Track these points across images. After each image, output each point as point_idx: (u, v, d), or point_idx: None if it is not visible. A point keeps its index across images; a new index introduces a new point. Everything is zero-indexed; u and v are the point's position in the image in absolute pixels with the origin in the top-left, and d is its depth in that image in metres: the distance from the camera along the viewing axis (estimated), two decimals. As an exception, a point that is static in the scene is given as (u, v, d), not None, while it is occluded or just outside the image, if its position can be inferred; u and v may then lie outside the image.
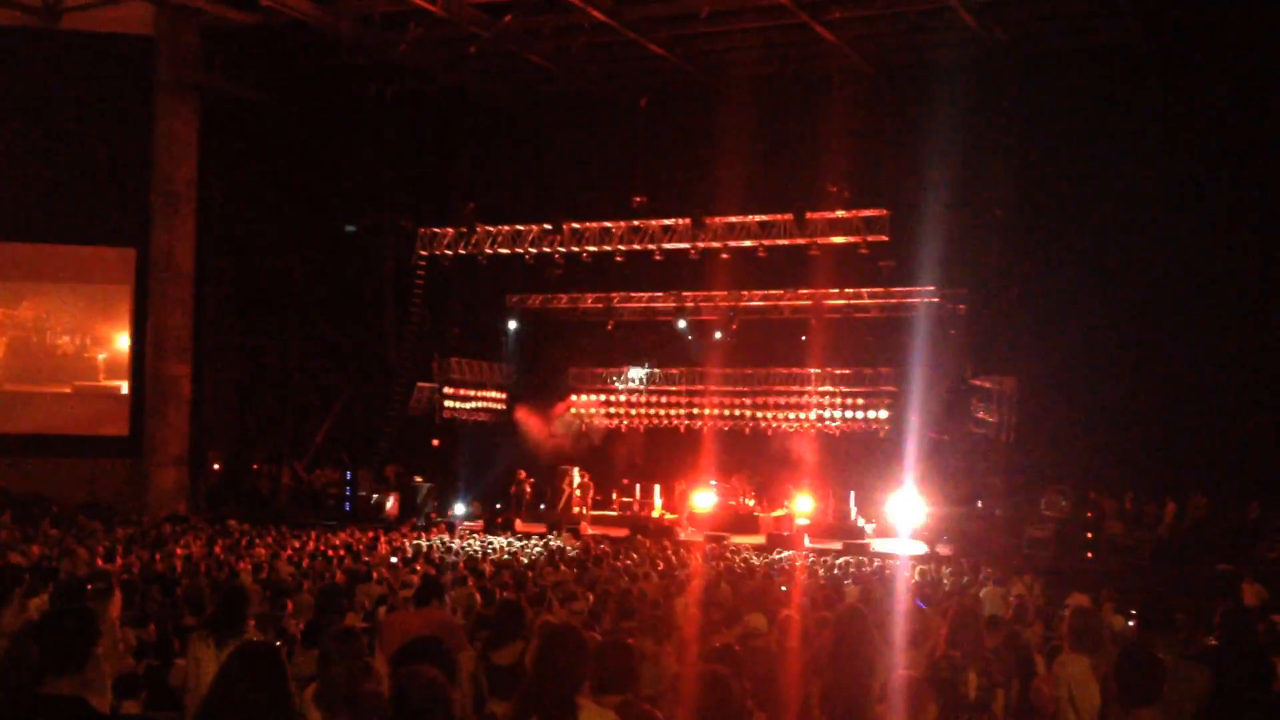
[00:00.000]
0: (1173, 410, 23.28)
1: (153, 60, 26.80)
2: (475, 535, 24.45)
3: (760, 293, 29.09)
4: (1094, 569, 20.93)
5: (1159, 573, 20.29)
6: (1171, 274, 24.00)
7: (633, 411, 31.23)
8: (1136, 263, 24.35)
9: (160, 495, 26.17)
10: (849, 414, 28.57)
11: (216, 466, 28.66)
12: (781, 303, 29.26)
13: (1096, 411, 24.08)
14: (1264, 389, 21.93)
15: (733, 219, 27.13)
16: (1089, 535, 22.91)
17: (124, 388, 28.39)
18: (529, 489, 29.03)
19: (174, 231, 26.76)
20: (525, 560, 18.22)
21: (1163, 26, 24.10)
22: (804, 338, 28.71)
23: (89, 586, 9.99)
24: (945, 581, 17.01)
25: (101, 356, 28.90)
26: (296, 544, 19.43)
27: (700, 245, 27.40)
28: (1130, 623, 11.26)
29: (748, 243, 27.14)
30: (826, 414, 28.75)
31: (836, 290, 27.93)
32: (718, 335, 29.46)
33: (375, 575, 14.55)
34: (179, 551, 16.99)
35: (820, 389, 28.90)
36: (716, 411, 30.01)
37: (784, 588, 13.57)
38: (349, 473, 28.80)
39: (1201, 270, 23.60)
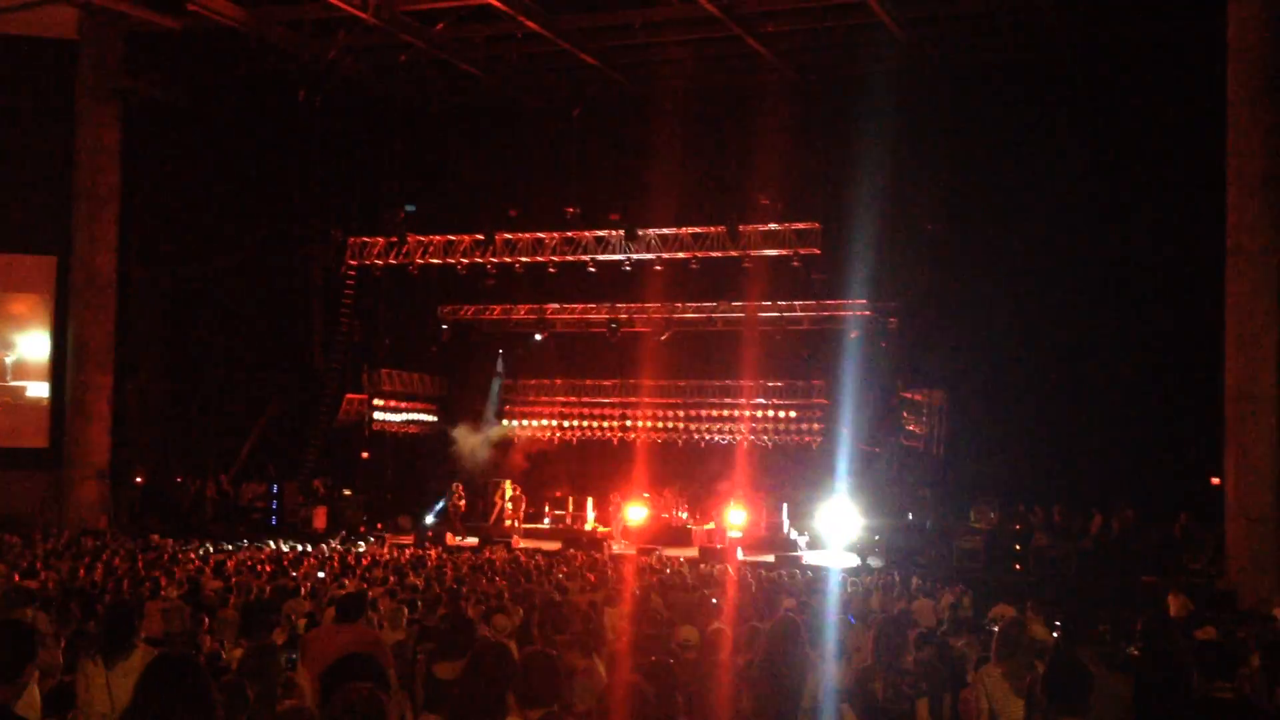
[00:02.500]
0: (1100, 423, 23.62)
1: (76, 65, 26.29)
2: (405, 548, 24.17)
3: (693, 305, 29.16)
4: (1022, 580, 21.13)
5: (1085, 584, 20.53)
6: (1099, 288, 24.39)
7: (565, 424, 31.13)
8: (1065, 277, 24.70)
9: (81, 508, 25.59)
10: (781, 426, 28.71)
11: (139, 479, 28.07)
12: (714, 315, 29.33)
13: (1025, 424, 24.36)
14: (1190, 402, 22.28)
15: (666, 231, 27.20)
16: (1017, 547, 23.13)
17: (44, 398, 27.72)
18: (463, 503, 28.73)
19: (96, 239, 26.22)
20: (456, 573, 18.01)
21: (1089, 44, 24.53)
22: (737, 350, 28.77)
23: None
24: (875, 594, 17.06)
25: (16, 364, 28.15)
26: (220, 558, 19.08)
27: (634, 257, 27.43)
28: (1054, 633, 11.36)
29: (681, 255, 27.22)
30: (759, 426, 28.85)
31: (769, 303, 28.05)
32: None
33: (303, 590, 14.30)
34: (99, 566, 16.59)
35: (753, 401, 28.99)
36: (649, 424, 30.01)
37: (714, 600, 13.53)
38: (275, 486, 28.37)
39: (1129, 285, 24.00)
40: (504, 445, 31.10)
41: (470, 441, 30.57)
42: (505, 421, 31.63)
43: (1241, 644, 10.04)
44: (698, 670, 7.63)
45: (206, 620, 10.61)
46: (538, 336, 30.57)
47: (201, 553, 20.27)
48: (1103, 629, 12.01)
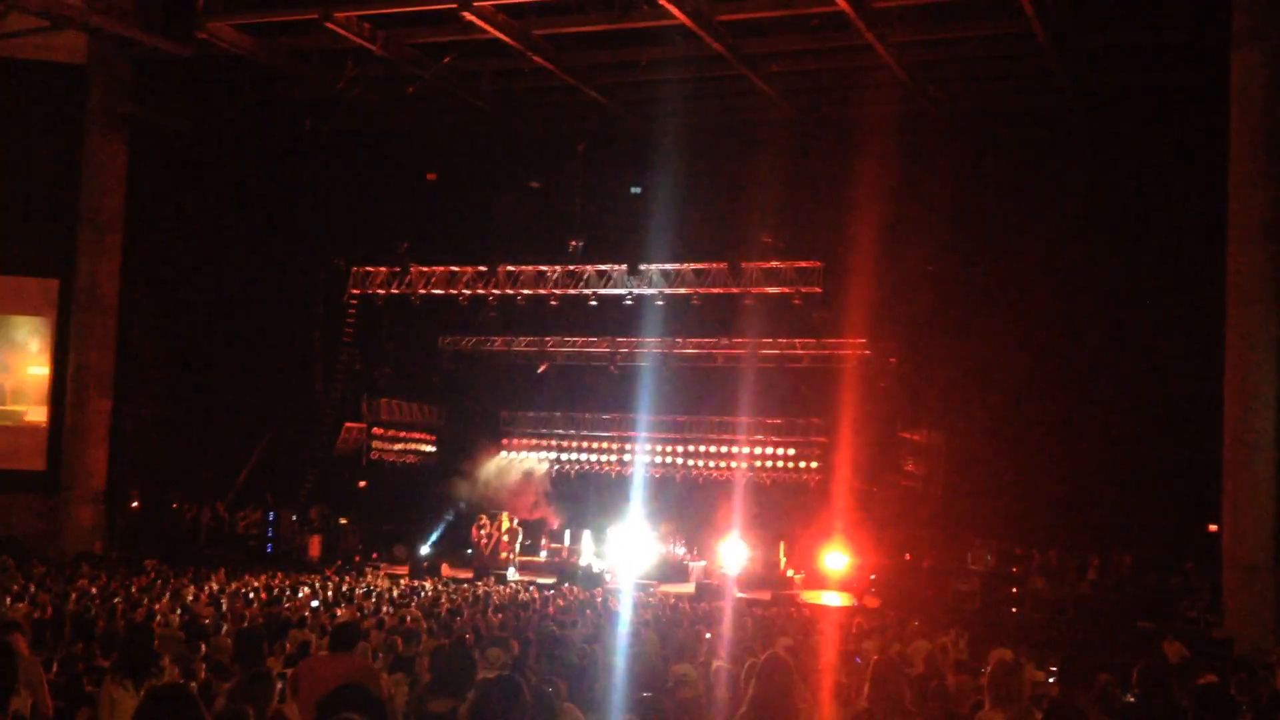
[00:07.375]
0: (1098, 468, 23.60)
1: (84, 90, 26.40)
2: (401, 579, 24.08)
3: (694, 340, 29.21)
4: (1018, 623, 21.06)
5: (1081, 629, 20.46)
6: (1099, 332, 24.43)
7: (563, 457, 31.09)
8: (1065, 320, 24.76)
9: (77, 532, 25.51)
10: (780, 463, 28.67)
11: (135, 504, 27.99)
12: (715, 350, 29.37)
13: (1023, 467, 24.35)
14: (1189, 449, 22.26)
15: (668, 266, 27.27)
16: (1013, 590, 23.07)
17: (43, 421, 27.64)
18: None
19: (99, 263, 26.26)
20: (451, 605, 17.95)
21: (1091, 90, 24.66)
22: (736, 386, 28.77)
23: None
24: (871, 635, 16.97)
25: (16, 387, 28.08)
26: (215, 585, 19.02)
27: (635, 291, 27.48)
28: (1050, 679, 11.30)
29: (683, 290, 27.27)
30: (758, 463, 28.82)
31: (769, 340, 28.10)
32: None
33: (296, 619, 14.25)
34: (94, 591, 16.54)
35: (752, 438, 28.96)
36: (648, 458, 29.96)
37: (708, 635, 13.50)
38: (271, 514, 28.29)
39: (1129, 330, 24.05)
40: (502, 477, 31.02)
41: (469, 473, 30.54)
42: (504, 453, 31.58)
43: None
44: (694, 707, 7.61)
45: (203, 647, 10.55)
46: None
47: (195, 580, 20.17)
48: (1099, 675, 11.96)
